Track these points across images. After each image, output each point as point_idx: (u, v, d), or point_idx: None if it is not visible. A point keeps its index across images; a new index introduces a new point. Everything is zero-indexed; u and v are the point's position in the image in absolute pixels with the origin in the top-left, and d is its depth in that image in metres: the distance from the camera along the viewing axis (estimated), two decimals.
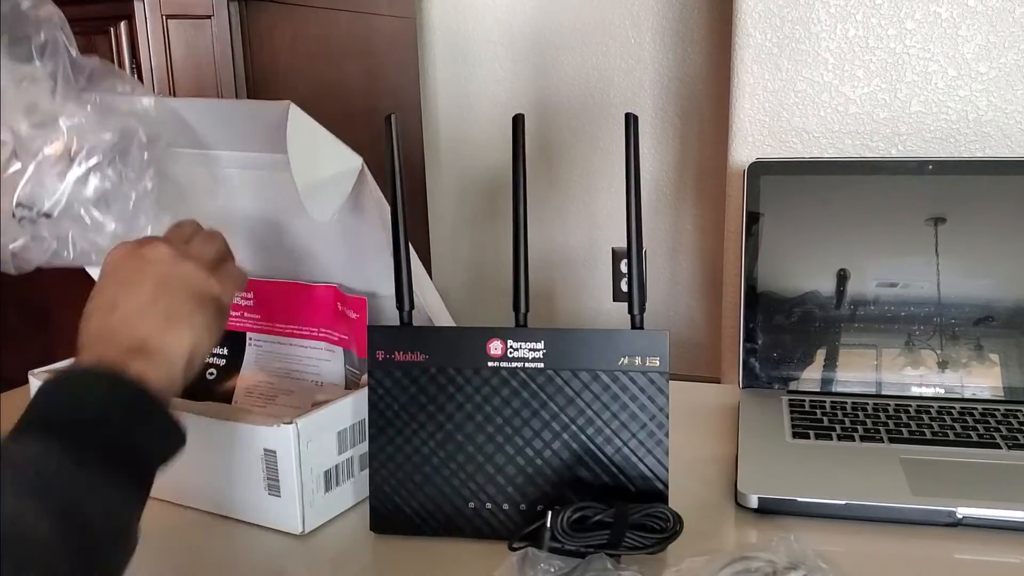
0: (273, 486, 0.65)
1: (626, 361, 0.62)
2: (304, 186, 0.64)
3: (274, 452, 0.65)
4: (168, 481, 0.69)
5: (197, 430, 0.66)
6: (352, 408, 0.68)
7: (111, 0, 1.23)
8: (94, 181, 0.62)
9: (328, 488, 0.67)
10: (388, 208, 0.65)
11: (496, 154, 1.84)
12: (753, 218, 0.89)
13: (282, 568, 0.64)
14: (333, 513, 0.68)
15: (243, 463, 0.66)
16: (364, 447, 0.69)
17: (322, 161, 0.65)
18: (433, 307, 0.74)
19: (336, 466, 0.68)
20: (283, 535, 0.66)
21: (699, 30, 1.63)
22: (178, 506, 0.70)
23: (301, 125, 0.62)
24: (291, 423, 0.64)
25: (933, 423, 0.77)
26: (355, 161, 0.66)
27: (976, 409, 0.80)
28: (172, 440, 0.53)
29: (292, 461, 0.64)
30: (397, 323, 0.65)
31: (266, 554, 0.65)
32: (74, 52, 0.63)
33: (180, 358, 0.55)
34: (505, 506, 0.64)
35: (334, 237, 0.73)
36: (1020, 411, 0.79)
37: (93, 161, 0.62)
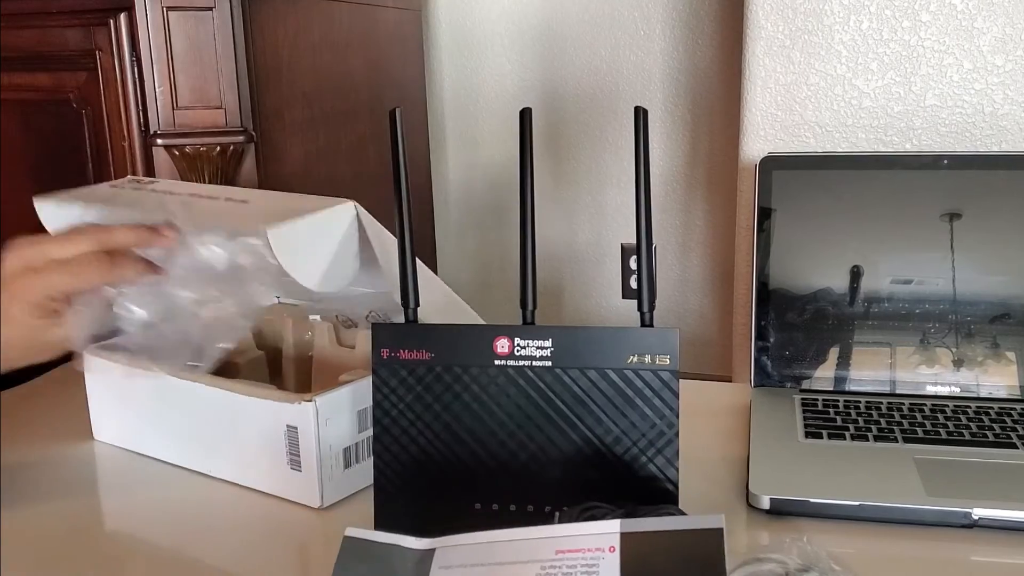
0: (295, 461, 0.68)
1: (635, 359, 0.61)
2: (316, 286, 0.68)
3: (296, 428, 0.67)
4: (202, 453, 0.73)
5: (227, 405, 0.70)
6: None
7: None
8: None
9: (348, 465, 0.69)
10: (389, 236, 0.66)
11: (503, 149, 1.83)
12: (765, 214, 0.88)
13: (301, 539, 0.67)
14: (353, 489, 0.70)
15: (269, 438, 0.69)
16: None
17: (319, 251, 0.68)
18: (440, 306, 0.73)
19: (356, 444, 0.70)
20: (303, 508, 0.69)
21: (710, 22, 1.62)
22: (208, 477, 0.74)
23: (284, 241, 0.64)
24: (311, 400, 0.66)
25: (948, 422, 0.76)
26: (348, 211, 0.69)
27: (992, 408, 0.79)
28: None
29: (312, 437, 0.67)
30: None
31: (286, 525, 0.68)
32: None
33: None
34: (512, 507, 0.63)
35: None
36: None
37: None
